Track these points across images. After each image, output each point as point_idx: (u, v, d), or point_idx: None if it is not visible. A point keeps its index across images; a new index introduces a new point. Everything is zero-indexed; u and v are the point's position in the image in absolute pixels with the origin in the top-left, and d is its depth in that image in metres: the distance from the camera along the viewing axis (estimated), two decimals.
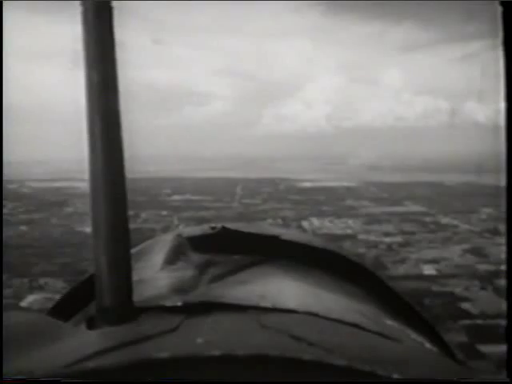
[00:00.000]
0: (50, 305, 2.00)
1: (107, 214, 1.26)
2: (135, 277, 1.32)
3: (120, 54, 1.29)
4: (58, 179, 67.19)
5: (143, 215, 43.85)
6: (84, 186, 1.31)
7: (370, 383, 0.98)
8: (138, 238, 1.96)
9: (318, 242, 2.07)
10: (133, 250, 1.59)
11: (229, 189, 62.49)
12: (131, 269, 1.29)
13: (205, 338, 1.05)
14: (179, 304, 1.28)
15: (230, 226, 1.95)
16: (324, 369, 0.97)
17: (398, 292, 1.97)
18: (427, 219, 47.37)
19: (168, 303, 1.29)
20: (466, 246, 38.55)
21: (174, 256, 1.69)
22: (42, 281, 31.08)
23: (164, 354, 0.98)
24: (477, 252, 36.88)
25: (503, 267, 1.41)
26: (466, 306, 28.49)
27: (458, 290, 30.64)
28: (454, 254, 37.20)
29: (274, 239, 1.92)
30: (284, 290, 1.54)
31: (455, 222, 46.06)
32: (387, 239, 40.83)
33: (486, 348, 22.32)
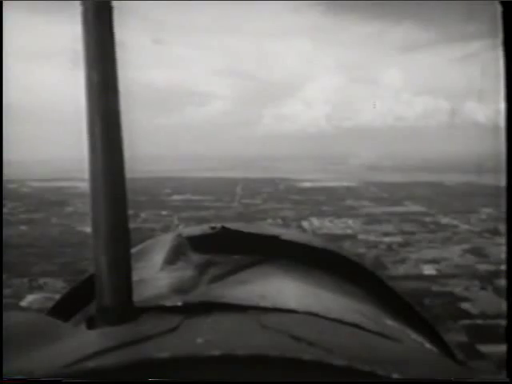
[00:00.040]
0: (49, 304, 2.00)
1: (107, 214, 1.26)
2: (135, 277, 1.32)
3: (120, 54, 1.29)
4: (58, 179, 67.22)
5: (143, 215, 43.87)
6: (84, 185, 1.31)
7: (370, 383, 0.98)
8: (138, 237, 1.96)
9: (317, 242, 2.07)
10: (133, 250, 1.59)
11: (229, 189, 62.50)
12: (131, 269, 1.29)
13: (205, 337, 1.05)
14: (179, 304, 1.28)
15: (230, 225, 1.95)
16: (324, 369, 0.97)
17: (398, 292, 1.97)
18: (427, 219, 47.38)
19: (168, 303, 1.29)
20: (465, 246, 38.56)
21: (174, 256, 1.69)
22: (41, 280, 31.10)
23: (164, 354, 0.98)
24: (477, 252, 36.89)
25: (503, 267, 1.41)
26: (465, 305, 28.50)
27: (457, 290, 30.65)
28: (454, 254, 37.21)
29: (274, 239, 1.92)
30: (284, 289, 1.54)
31: (455, 222, 46.07)
32: (387, 239, 40.84)
33: (486, 348, 22.32)
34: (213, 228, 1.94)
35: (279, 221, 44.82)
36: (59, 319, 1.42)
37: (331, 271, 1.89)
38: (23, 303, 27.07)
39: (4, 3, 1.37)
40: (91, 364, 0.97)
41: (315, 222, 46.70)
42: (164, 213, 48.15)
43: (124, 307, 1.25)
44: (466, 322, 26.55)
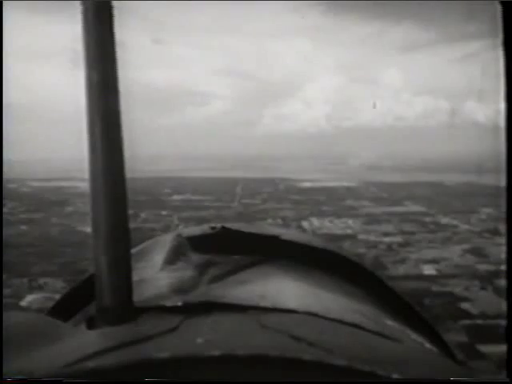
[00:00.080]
0: (49, 304, 2.00)
1: (107, 214, 1.26)
2: (135, 277, 1.32)
3: (120, 54, 1.29)
4: (59, 179, 67.21)
5: (143, 215, 43.87)
6: (84, 185, 1.31)
7: (370, 383, 0.98)
8: (138, 237, 1.96)
9: (317, 242, 2.07)
10: (133, 250, 1.59)
11: (229, 188, 62.49)
12: (131, 269, 1.29)
13: (205, 337, 1.05)
14: (179, 304, 1.28)
15: (230, 225, 1.95)
16: (324, 369, 0.97)
17: (398, 292, 1.97)
18: (427, 219, 47.38)
19: (168, 303, 1.29)
20: (465, 246, 38.56)
21: (174, 256, 1.69)
22: (41, 280, 31.11)
23: (164, 354, 0.98)
24: (477, 252, 36.89)
25: (503, 267, 1.41)
26: (465, 306, 28.51)
27: (457, 290, 30.66)
28: (454, 254, 37.21)
29: (274, 239, 1.92)
30: (284, 290, 1.54)
31: (455, 222, 46.07)
32: (387, 239, 40.85)
33: (485, 348, 22.34)
34: (213, 228, 1.94)
35: (279, 221, 44.83)
36: (59, 319, 1.42)
37: (331, 271, 1.89)
38: (23, 303, 27.08)
39: (4, 3, 1.37)
40: (91, 364, 0.97)
41: (315, 222, 46.70)
42: (164, 213, 48.15)
43: (124, 307, 1.25)
44: (466, 322, 26.56)
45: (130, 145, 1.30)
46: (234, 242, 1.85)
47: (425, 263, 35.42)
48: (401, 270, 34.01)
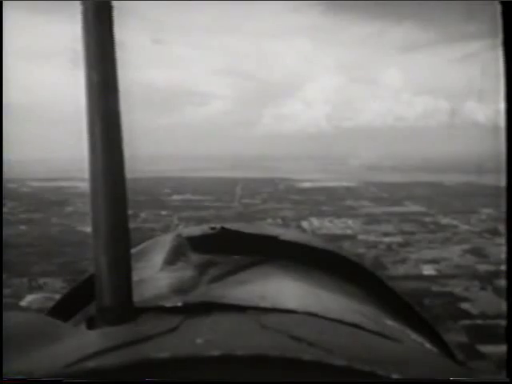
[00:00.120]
0: (49, 304, 2.00)
1: (107, 214, 1.26)
2: (135, 277, 1.32)
3: (120, 54, 1.29)
4: (58, 178, 67.22)
5: (143, 215, 43.88)
6: (84, 185, 1.31)
7: (370, 383, 0.98)
8: (138, 237, 1.96)
9: (317, 242, 2.07)
10: (133, 250, 1.59)
11: (228, 188, 62.49)
12: (131, 269, 1.29)
13: (204, 338, 1.05)
14: (179, 304, 1.28)
15: (230, 226, 1.95)
16: (324, 369, 0.97)
17: (398, 292, 1.97)
18: (427, 219, 47.38)
19: (168, 303, 1.29)
20: (465, 247, 38.57)
21: (174, 256, 1.69)
22: (41, 280, 31.11)
23: (164, 354, 0.98)
24: (477, 252, 36.90)
25: (503, 267, 1.41)
26: (465, 306, 28.52)
27: (457, 290, 30.67)
28: (454, 254, 37.22)
29: (274, 239, 1.92)
30: (284, 290, 1.54)
31: (455, 222, 46.07)
32: (387, 239, 40.85)
33: (485, 348, 22.35)
34: (213, 228, 1.94)
35: (279, 221, 44.83)
36: (59, 319, 1.42)
37: (331, 271, 1.89)
38: (23, 303, 27.09)
39: (4, 3, 1.37)
40: (91, 364, 0.97)
41: (315, 222, 46.70)
42: (164, 213, 48.15)
43: (124, 307, 1.25)
44: (466, 322, 26.57)
45: (129, 145, 1.30)
46: (233, 243, 1.85)
47: (425, 263, 35.43)
48: (401, 270, 34.01)
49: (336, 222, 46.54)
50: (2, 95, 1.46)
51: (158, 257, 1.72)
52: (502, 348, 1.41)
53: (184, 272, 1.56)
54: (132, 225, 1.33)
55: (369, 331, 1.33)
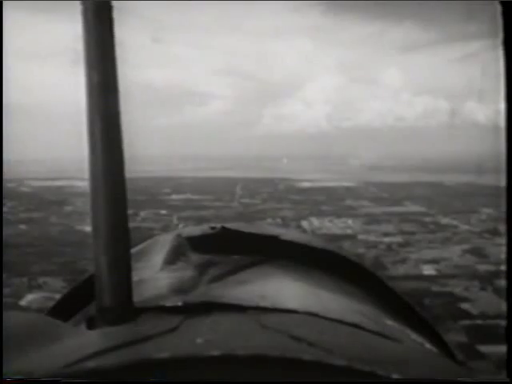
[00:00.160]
0: (49, 304, 2.00)
1: (107, 214, 1.26)
2: (135, 277, 1.32)
3: (120, 54, 1.29)
4: (58, 178, 67.20)
5: (142, 214, 43.87)
6: (83, 184, 1.31)
7: (369, 383, 0.98)
8: (138, 237, 1.96)
9: (317, 242, 2.07)
10: (133, 250, 1.59)
11: (228, 188, 62.47)
12: (131, 269, 1.29)
13: (205, 338, 1.05)
14: (179, 304, 1.28)
15: (230, 225, 1.95)
16: (324, 369, 0.97)
17: (398, 292, 1.97)
18: (427, 219, 47.36)
19: (168, 303, 1.29)
20: (465, 247, 38.54)
21: (174, 256, 1.69)
22: (41, 280, 31.11)
23: (164, 354, 0.98)
24: (477, 252, 36.88)
25: (503, 267, 1.41)
26: (465, 306, 28.51)
27: (457, 291, 30.66)
28: (454, 254, 37.20)
29: (274, 239, 1.92)
30: (284, 290, 1.54)
31: (455, 223, 46.05)
32: (387, 239, 40.83)
33: (485, 348, 22.34)
34: (212, 228, 1.94)
35: (279, 221, 44.82)
36: (59, 319, 1.42)
37: (331, 271, 1.89)
38: (22, 302, 27.09)
39: (4, 3, 1.37)
40: (91, 364, 0.97)
41: (315, 221, 46.68)
42: (163, 212, 48.14)
43: (124, 307, 1.25)
44: (466, 322, 26.56)
45: (129, 145, 1.30)
46: (233, 242, 1.85)
47: (425, 263, 35.41)
48: (401, 270, 34.00)
49: (336, 222, 46.53)
50: (2, 95, 1.46)
51: (158, 257, 1.72)
52: (502, 348, 1.41)
53: (184, 272, 1.56)
54: (131, 224, 1.33)
55: (369, 331, 1.33)
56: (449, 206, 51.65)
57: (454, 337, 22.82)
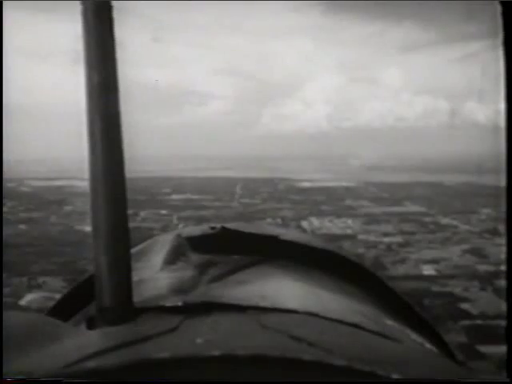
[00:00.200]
0: (48, 304, 2.00)
1: (107, 214, 1.26)
2: (135, 277, 1.32)
3: (120, 54, 1.29)
4: (58, 178, 67.21)
5: (142, 214, 43.88)
6: (83, 184, 1.31)
7: (369, 383, 0.98)
8: (138, 237, 1.96)
9: (317, 242, 2.07)
10: (133, 250, 1.59)
11: (228, 188, 62.49)
12: (131, 269, 1.29)
13: (204, 338, 1.05)
14: (179, 304, 1.28)
15: (230, 225, 1.95)
16: (324, 369, 0.97)
17: (398, 292, 1.97)
18: (427, 219, 47.38)
19: (168, 303, 1.29)
20: (465, 247, 38.57)
21: (174, 256, 1.69)
22: (40, 279, 31.13)
23: (164, 354, 0.98)
24: (476, 252, 36.90)
25: (503, 268, 1.41)
26: (465, 306, 28.53)
27: (457, 291, 30.68)
28: (454, 254, 37.23)
29: (274, 239, 1.92)
30: (284, 290, 1.54)
31: (455, 223, 46.07)
32: (387, 239, 40.85)
33: (485, 348, 22.35)
34: (212, 228, 1.94)
35: (279, 220, 44.83)
36: (59, 319, 1.42)
37: (331, 271, 1.89)
38: (22, 302, 27.10)
39: (4, 3, 1.37)
40: (91, 364, 0.97)
41: (315, 221, 46.70)
42: (163, 212, 48.16)
43: (124, 307, 1.25)
44: (466, 322, 26.58)
45: (130, 145, 1.30)
46: (233, 242, 1.85)
47: (424, 263, 35.43)
48: (401, 270, 34.02)
49: (336, 222, 46.54)
50: (2, 95, 1.46)
51: (158, 257, 1.72)
52: (502, 348, 1.41)
53: (184, 272, 1.56)
54: (131, 224, 1.33)
55: (369, 331, 1.33)
56: (449, 206, 51.67)
57: (454, 337, 22.84)
